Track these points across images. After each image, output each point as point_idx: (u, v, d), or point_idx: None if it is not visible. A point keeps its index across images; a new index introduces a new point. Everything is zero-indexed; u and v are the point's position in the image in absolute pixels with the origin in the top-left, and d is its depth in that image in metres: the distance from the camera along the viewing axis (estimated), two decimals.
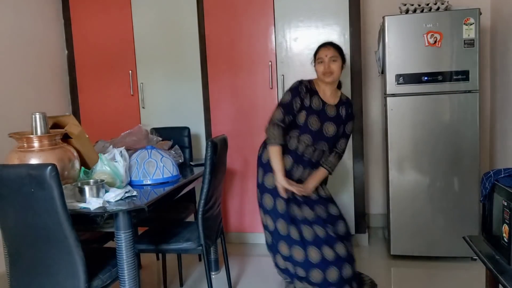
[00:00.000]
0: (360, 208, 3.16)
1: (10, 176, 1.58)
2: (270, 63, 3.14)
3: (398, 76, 2.79)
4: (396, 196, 2.87)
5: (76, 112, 3.51)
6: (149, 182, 2.19)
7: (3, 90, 2.91)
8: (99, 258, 1.88)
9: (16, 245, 1.70)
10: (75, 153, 2.05)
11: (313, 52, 2.30)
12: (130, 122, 3.27)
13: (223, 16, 3.19)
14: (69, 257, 1.62)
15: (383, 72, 2.94)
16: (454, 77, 2.72)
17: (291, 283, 2.28)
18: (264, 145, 2.30)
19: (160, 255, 3.06)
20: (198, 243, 2.17)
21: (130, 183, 2.18)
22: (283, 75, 3.13)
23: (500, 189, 1.64)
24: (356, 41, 3.04)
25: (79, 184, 1.86)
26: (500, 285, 1.62)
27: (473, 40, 2.68)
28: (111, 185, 1.98)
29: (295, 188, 2.16)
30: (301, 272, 2.18)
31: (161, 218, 2.60)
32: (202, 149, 3.30)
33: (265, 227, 2.30)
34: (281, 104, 2.20)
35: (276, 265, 2.31)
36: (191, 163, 2.83)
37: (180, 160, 2.70)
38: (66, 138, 2.10)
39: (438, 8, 2.78)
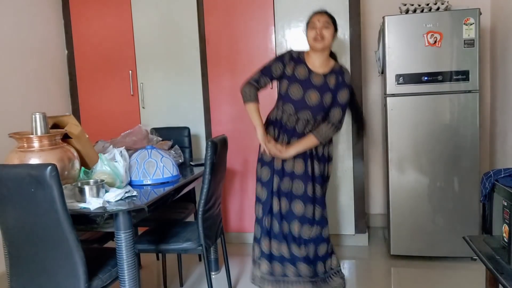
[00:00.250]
0: (360, 208, 3.16)
1: (10, 176, 1.58)
2: None
3: (398, 76, 2.79)
4: (396, 196, 2.87)
5: (76, 112, 3.51)
6: (149, 182, 2.19)
7: (3, 90, 2.91)
8: (99, 258, 1.88)
9: (16, 245, 1.70)
10: (75, 153, 2.05)
11: None
12: (130, 122, 3.27)
13: (223, 16, 3.19)
14: (69, 257, 1.62)
15: (383, 72, 2.94)
16: (454, 77, 2.72)
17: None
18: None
19: (160, 255, 3.06)
20: (198, 243, 2.17)
21: (130, 183, 2.18)
22: None
23: (500, 189, 1.64)
24: (356, 41, 3.04)
25: (79, 184, 1.86)
26: (500, 285, 1.62)
27: (473, 40, 2.68)
28: (111, 185, 1.98)
29: (272, 146, 2.18)
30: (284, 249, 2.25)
31: (161, 218, 2.60)
32: (202, 149, 3.30)
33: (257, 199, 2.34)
34: (261, 67, 2.29)
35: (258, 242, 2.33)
36: (191, 163, 2.83)
37: (180, 160, 2.70)
38: (66, 138, 2.10)
39: (438, 8, 2.78)
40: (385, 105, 2.88)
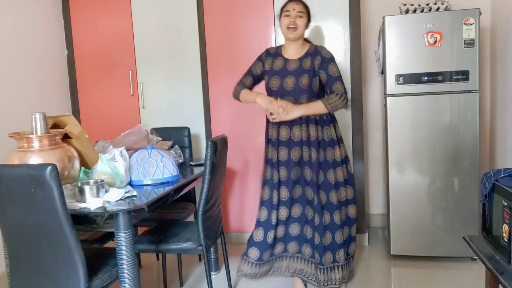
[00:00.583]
0: (360, 208, 3.15)
1: (10, 176, 1.58)
2: None
3: (398, 76, 2.79)
4: (396, 196, 2.87)
5: (76, 112, 3.51)
6: (149, 182, 2.19)
7: (3, 90, 2.91)
8: (99, 258, 1.88)
9: (16, 245, 1.70)
10: (75, 153, 2.05)
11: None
12: (130, 122, 3.27)
13: (223, 16, 3.19)
14: (69, 257, 1.62)
15: (383, 72, 2.94)
16: (454, 77, 2.72)
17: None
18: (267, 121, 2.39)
19: (160, 255, 3.06)
20: (198, 243, 2.17)
21: (130, 183, 2.18)
22: None
23: (500, 189, 1.64)
24: (356, 41, 3.04)
25: (79, 184, 1.86)
26: (500, 285, 1.62)
27: (473, 40, 2.67)
28: (111, 185, 1.98)
29: (276, 105, 2.21)
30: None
31: (161, 218, 2.60)
32: (202, 149, 3.30)
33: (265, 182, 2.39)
34: (247, 70, 2.48)
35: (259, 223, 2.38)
36: (191, 163, 2.83)
37: (180, 160, 2.70)
38: (66, 138, 2.10)
39: (438, 8, 2.78)
40: (385, 105, 2.88)
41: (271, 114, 2.24)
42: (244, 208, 3.31)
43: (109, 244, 2.19)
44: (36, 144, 1.93)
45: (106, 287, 1.78)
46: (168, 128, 3.06)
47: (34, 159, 1.89)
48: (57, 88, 3.45)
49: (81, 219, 1.75)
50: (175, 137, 2.91)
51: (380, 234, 3.46)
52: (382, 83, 3.18)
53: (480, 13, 2.69)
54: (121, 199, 1.87)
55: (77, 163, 2.04)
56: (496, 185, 1.68)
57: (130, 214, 1.75)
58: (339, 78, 2.26)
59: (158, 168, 2.22)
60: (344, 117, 3.07)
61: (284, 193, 2.31)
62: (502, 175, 1.69)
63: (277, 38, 3.13)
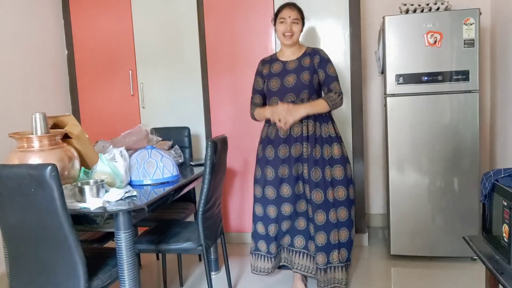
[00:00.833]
0: (360, 208, 3.16)
1: (10, 176, 1.58)
2: None
3: (398, 76, 2.79)
4: (396, 196, 2.87)
5: (76, 112, 3.51)
6: (149, 182, 2.19)
7: (3, 90, 2.91)
8: (99, 258, 1.88)
9: (16, 245, 1.70)
10: (75, 153, 2.05)
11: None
12: (130, 122, 3.27)
13: (223, 16, 3.19)
14: (69, 257, 1.62)
15: (383, 72, 2.94)
16: (454, 77, 2.72)
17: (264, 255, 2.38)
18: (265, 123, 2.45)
19: (160, 255, 3.06)
20: (198, 243, 2.17)
21: (130, 183, 2.18)
22: None
23: (500, 189, 1.64)
24: (356, 41, 3.04)
25: (79, 184, 1.86)
26: (500, 285, 1.62)
27: (473, 40, 2.68)
28: (111, 185, 1.98)
29: (280, 107, 2.22)
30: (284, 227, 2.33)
31: (161, 218, 2.60)
32: (202, 149, 3.30)
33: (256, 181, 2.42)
34: (252, 89, 2.51)
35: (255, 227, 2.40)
36: (191, 163, 2.83)
37: (180, 160, 2.70)
38: (66, 138, 2.10)
39: (438, 8, 2.78)
40: (385, 105, 2.88)
41: (279, 121, 2.24)
42: (244, 208, 3.31)
43: (109, 244, 2.19)
44: (36, 144, 1.93)
45: (106, 287, 1.78)
46: (168, 128, 3.06)
47: (34, 159, 1.89)
48: (57, 88, 3.45)
49: (81, 219, 1.75)
50: (175, 137, 2.92)
51: (380, 234, 3.46)
52: (382, 83, 3.18)
53: (480, 13, 2.69)
54: (121, 199, 1.87)
55: (77, 163, 2.04)
56: (496, 185, 1.68)
57: (130, 214, 1.75)
58: (336, 78, 2.36)
59: (158, 168, 2.22)
60: (344, 117, 3.07)
61: (286, 190, 2.31)
62: (502, 175, 1.68)
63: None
